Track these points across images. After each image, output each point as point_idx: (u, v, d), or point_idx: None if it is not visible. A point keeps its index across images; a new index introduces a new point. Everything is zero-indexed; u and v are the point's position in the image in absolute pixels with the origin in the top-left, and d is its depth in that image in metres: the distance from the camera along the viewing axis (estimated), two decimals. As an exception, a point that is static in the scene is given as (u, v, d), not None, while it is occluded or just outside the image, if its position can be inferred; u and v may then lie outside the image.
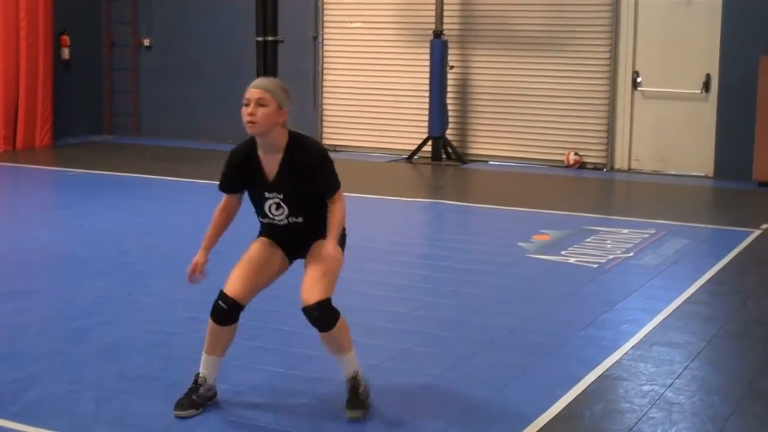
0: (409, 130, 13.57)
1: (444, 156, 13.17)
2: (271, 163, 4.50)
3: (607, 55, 12.56)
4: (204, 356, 4.63)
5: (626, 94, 12.55)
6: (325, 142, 14.17)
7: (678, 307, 6.48)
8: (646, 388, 5.01)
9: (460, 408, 4.73)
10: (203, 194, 10.63)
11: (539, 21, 12.88)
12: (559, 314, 6.32)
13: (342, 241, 4.63)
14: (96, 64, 15.44)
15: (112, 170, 11.99)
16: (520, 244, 8.22)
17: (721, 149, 12.07)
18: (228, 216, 4.72)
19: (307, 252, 4.58)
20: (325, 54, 14.14)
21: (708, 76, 12.12)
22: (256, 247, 4.66)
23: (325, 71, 14.17)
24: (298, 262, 4.71)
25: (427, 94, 13.00)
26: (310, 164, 4.45)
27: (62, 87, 14.63)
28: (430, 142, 13.14)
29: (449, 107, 13.11)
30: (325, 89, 14.20)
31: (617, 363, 5.38)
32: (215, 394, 4.69)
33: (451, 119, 13.19)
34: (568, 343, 5.72)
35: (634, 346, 5.66)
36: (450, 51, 13.05)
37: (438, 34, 12.95)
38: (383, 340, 5.74)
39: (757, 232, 8.84)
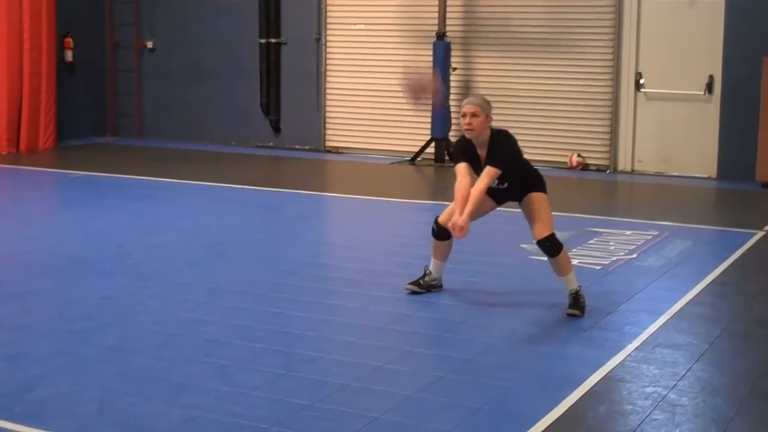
0: (411, 132, 13.57)
1: (447, 158, 13.16)
2: (482, 153, 6.33)
3: (610, 57, 12.56)
4: (432, 260, 6.61)
5: (629, 95, 12.55)
6: (328, 143, 14.19)
7: (681, 308, 6.47)
8: (649, 389, 5.01)
9: (464, 410, 4.73)
10: (206, 196, 10.65)
11: (542, 23, 12.87)
12: (562, 316, 6.32)
13: (544, 187, 6.50)
14: (99, 66, 15.46)
15: (115, 172, 12.00)
16: (522, 245, 8.21)
17: (724, 150, 12.07)
18: (470, 179, 6.30)
19: (513, 199, 6.48)
20: (328, 56, 14.15)
21: (711, 77, 12.12)
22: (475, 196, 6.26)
23: (328, 73, 14.17)
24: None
25: (430, 95, 12.98)
26: (496, 149, 6.29)
27: (65, 89, 14.64)
28: (433, 144, 13.14)
29: (452, 109, 13.10)
30: (328, 91, 14.20)
31: (620, 364, 5.38)
32: (441, 285, 6.66)
33: (453, 121, 13.15)
34: (571, 345, 5.72)
35: (637, 347, 5.66)
36: (453, 53, 13.05)
37: (441, 36, 12.95)
38: (385, 341, 5.74)
39: (760, 234, 8.83)
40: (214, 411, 4.62)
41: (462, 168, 6.32)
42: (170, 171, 12.12)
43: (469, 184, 6.25)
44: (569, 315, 6.19)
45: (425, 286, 6.63)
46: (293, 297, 6.63)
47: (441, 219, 6.44)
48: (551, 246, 6.24)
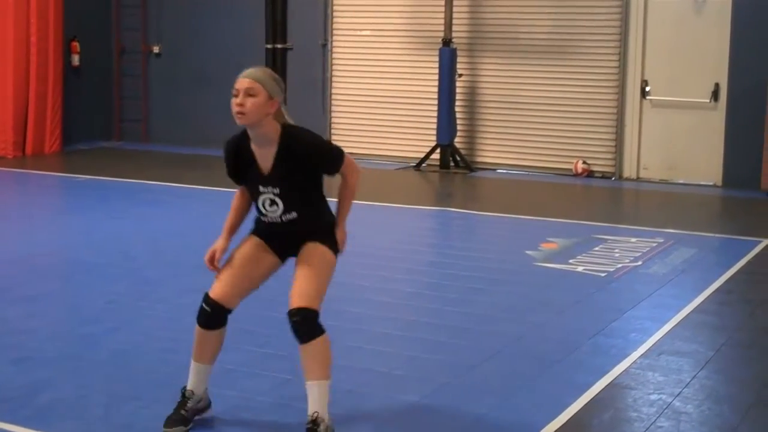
0: (417, 138, 13.59)
1: (452, 164, 13.17)
2: (265, 157, 4.37)
3: (615, 64, 12.57)
4: (192, 364, 4.49)
5: (635, 102, 12.55)
6: (334, 149, 14.18)
7: (686, 316, 6.47)
8: (654, 397, 5.01)
9: (468, 417, 4.73)
10: (211, 201, 10.66)
11: (548, 29, 12.89)
12: (567, 323, 6.33)
13: (335, 245, 4.49)
14: (106, 70, 15.49)
15: (121, 176, 12.02)
16: (527, 252, 8.22)
17: (729, 158, 12.07)
18: (246, 200, 4.58)
19: (299, 250, 4.42)
20: (335, 61, 14.17)
21: (717, 85, 12.12)
22: (245, 248, 4.52)
23: (334, 79, 14.19)
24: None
25: (436, 102, 13.02)
26: (306, 153, 4.34)
27: (72, 93, 14.68)
28: (438, 150, 13.15)
29: (457, 115, 13.12)
30: (334, 97, 14.22)
31: (625, 372, 5.38)
32: (208, 405, 4.56)
33: (459, 127, 13.20)
34: (577, 352, 5.72)
35: (642, 354, 5.66)
36: (459, 59, 13.06)
37: (447, 42, 12.97)
38: (390, 347, 5.74)
39: (765, 242, 8.82)
40: (219, 415, 4.62)
41: (239, 188, 4.61)
42: (176, 176, 12.14)
43: (244, 206, 4.59)
44: None
45: (190, 417, 4.47)
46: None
47: (214, 293, 4.42)
48: (303, 322, 4.28)
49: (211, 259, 4.52)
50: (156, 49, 15.36)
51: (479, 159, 13.38)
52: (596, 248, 8.44)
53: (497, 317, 6.38)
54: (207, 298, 4.44)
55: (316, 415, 4.28)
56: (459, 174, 12.98)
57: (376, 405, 4.78)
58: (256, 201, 4.46)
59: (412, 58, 13.65)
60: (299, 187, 4.38)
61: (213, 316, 4.42)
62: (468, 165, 13.13)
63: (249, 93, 4.30)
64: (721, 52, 12.03)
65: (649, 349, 5.76)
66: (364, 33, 13.98)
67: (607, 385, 5.15)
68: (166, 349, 5.60)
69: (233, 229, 4.61)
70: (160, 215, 9.80)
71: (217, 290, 4.43)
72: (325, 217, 4.53)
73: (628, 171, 12.69)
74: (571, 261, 7.94)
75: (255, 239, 4.54)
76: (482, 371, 5.38)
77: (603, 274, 7.54)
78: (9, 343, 5.69)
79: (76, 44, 14.77)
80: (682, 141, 12.40)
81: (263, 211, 4.44)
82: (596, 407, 4.87)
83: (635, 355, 5.65)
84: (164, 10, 15.25)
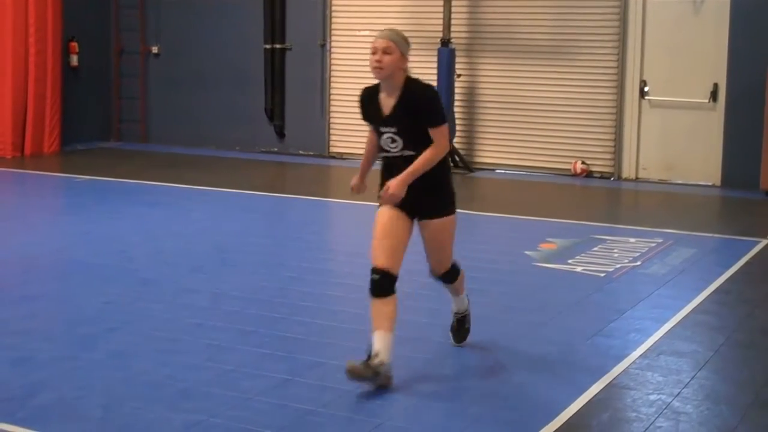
0: (416, 138, 13.56)
1: (451, 164, 13.15)
2: (388, 102, 5.08)
3: (614, 64, 12.57)
4: (374, 334, 4.96)
5: (634, 103, 12.55)
6: (332, 149, 14.20)
7: (685, 316, 6.47)
8: (653, 397, 5.01)
9: (467, 416, 4.73)
10: (210, 201, 10.66)
11: (547, 30, 12.88)
12: (566, 323, 6.32)
13: (451, 204, 5.26)
14: (104, 71, 15.48)
15: (119, 177, 12.02)
16: (526, 252, 8.21)
17: (728, 158, 12.07)
18: (375, 144, 5.28)
19: (422, 213, 5.15)
20: (333, 62, 14.16)
21: (716, 85, 12.12)
22: (384, 219, 5.12)
23: (332, 79, 14.18)
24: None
25: (435, 102, 13.00)
26: (419, 101, 5.03)
27: (71, 94, 14.67)
28: (437, 150, 13.12)
29: (456, 115, 13.12)
30: (332, 97, 14.21)
31: (624, 372, 5.37)
32: (389, 377, 4.94)
33: (458, 127, 13.19)
34: (575, 352, 5.72)
35: (641, 355, 5.66)
36: (457, 59, 13.05)
37: (445, 42, 12.96)
38: (390, 347, 5.73)
39: (764, 242, 8.82)
40: (217, 416, 4.62)
41: (369, 133, 5.37)
42: (174, 176, 12.13)
43: (373, 150, 5.34)
44: (455, 345, 5.72)
45: (373, 371, 4.89)
46: (297, 302, 6.63)
47: (378, 262, 5.03)
48: (450, 278, 5.55)
49: (353, 190, 5.41)
50: (155, 50, 15.35)
51: (478, 159, 13.38)
52: (595, 248, 8.44)
53: (496, 317, 6.38)
54: (375, 269, 5.02)
55: (466, 310, 5.77)
56: (458, 174, 12.96)
57: (374, 405, 4.77)
58: (380, 141, 5.17)
59: (410, 58, 13.62)
60: (414, 127, 5.03)
61: (383, 283, 4.99)
62: (467, 165, 13.12)
63: (386, 51, 5.04)
64: (719, 53, 12.03)
65: (648, 349, 5.76)
66: (362, 33, 13.96)
67: (606, 386, 5.15)
68: (164, 350, 5.59)
69: (365, 169, 5.41)
70: (158, 215, 9.79)
71: (380, 260, 5.03)
72: (443, 170, 5.19)
73: (627, 171, 12.68)
74: (570, 261, 7.94)
75: (387, 210, 5.15)
76: (480, 372, 5.38)
77: (602, 275, 7.54)
78: (7, 343, 5.68)
79: (74, 45, 14.76)
80: (680, 141, 12.40)
81: (386, 147, 5.14)
82: (595, 407, 4.86)
83: (634, 355, 5.64)
84: (163, 10, 15.25)
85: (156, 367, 5.30)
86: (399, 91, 5.08)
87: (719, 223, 10.40)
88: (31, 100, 13.85)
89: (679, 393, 5.06)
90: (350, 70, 14.06)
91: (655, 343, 5.87)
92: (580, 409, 4.82)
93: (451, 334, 5.73)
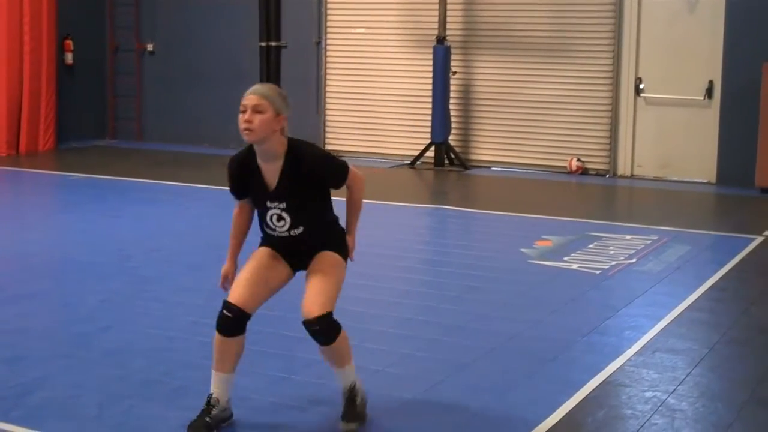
0: (411, 136, 13.58)
1: (447, 162, 13.17)
2: (271, 172, 4.39)
3: (609, 62, 12.57)
4: (214, 375, 4.47)
5: (629, 100, 12.56)
6: (328, 147, 14.18)
7: (681, 313, 6.47)
8: (648, 394, 5.01)
9: (463, 414, 4.73)
10: (206, 199, 10.65)
11: (542, 27, 12.89)
12: (561, 320, 6.32)
13: (344, 252, 4.56)
14: (99, 68, 15.47)
15: (114, 175, 12.00)
16: (522, 250, 8.22)
17: (723, 156, 12.08)
18: (246, 218, 4.62)
19: (310, 262, 4.46)
20: (329, 59, 14.15)
21: (711, 82, 12.13)
22: (260, 256, 4.52)
23: (328, 77, 14.18)
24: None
25: (430, 99, 13.02)
26: (311, 168, 4.37)
27: (65, 91, 14.65)
28: (432, 148, 13.15)
29: (452, 113, 13.12)
30: (328, 95, 14.21)
31: (620, 369, 5.38)
32: (231, 416, 4.52)
33: (453, 125, 13.20)
34: (571, 350, 5.72)
35: (636, 352, 5.66)
36: (453, 57, 13.06)
37: (441, 39, 12.96)
38: (385, 345, 5.74)
39: (759, 239, 8.84)
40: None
41: (237, 206, 4.62)
42: (170, 174, 12.12)
43: (244, 225, 4.61)
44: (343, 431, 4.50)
45: (215, 425, 4.43)
46: (293, 300, 6.60)
47: (234, 298, 4.37)
48: (323, 330, 4.36)
49: (224, 283, 4.58)
50: (150, 47, 15.34)
51: (474, 156, 13.38)
52: (591, 246, 8.44)
53: (492, 315, 6.38)
54: (227, 304, 4.39)
55: (353, 384, 4.52)
56: (453, 172, 12.97)
57: (370, 402, 4.77)
58: (263, 217, 4.49)
59: (406, 55, 13.65)
60: (306, 201, 4.41)
61: (234, 321, 4.39)
62: (462, 163, 13.13)
63: (257, 110, 4.32)
64: (714, 50, 12.04)
65: (643, 346, 5.76)
66: (358, 31, 13.96)
67: (602, 383, 5.15)
68: (159, 348, 5.59)
69: (237, 251, 4.63)
70: (154, 213, 9.78)
71: (236, 295, 4.39)
72: (335, 229, 4.57)
73: (623, 168, 12.70)
74: (565, 258, 7.94)
75: (267, 249, 4.55)
76: (477, 369, 5.38)
77: (597, 272, 7.54)
78: (2, 342, 5.67)
79: (69, 42, 14.75)
80: (676, 138, 12.41)
81: (271, 225, 4.47)
82: (590, 405, 4.86)
83: (630, 352, 5.65)
84: (158, 7, 15.23)
85: (152, 365, 5.30)
86: (281, 159, 4.37)
87: (714, 220, 10.41)
88: (26, 98, 13.84)
89: (674, 390, 5.06)
90: (346, 68, 14.06)
91: (650, 340, 5.88)
92: (575, 406, 4.82)
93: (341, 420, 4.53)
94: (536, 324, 6.22)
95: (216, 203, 10.41)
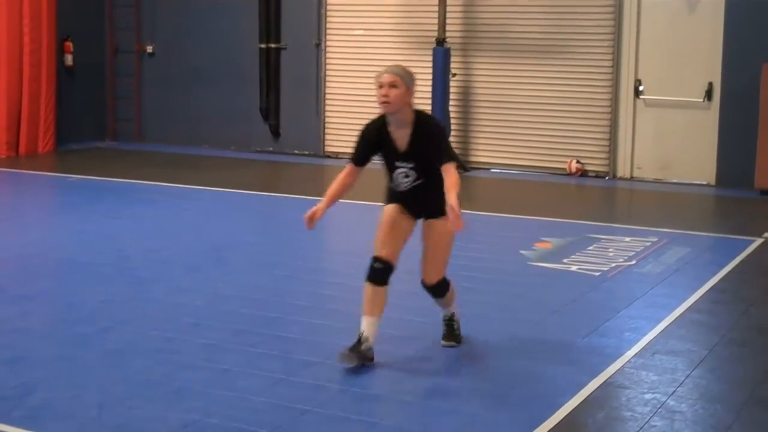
0: (411, 138, 13.56)
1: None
2: (401, 138, 5.23)
3: (609, 63, 12.58)
4: (364, 319, 5.24)
5: (628, 102, 12.57)
6: (327, 148, 14.20)
7: (680, 315, 6.48)
8: (648, 396, 5.01)
9: (463, 415, 4.73)
10: (205, 201, 10.66)
11: (542, 29, 12.89)
12: (561, 322, 6.33)
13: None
14: (99, 70, 15.46)
15: (114, 176, 12.00)
16: (522, 251, 8.22)
17: (723, 157, 12.08)
18: (350, 181, 5.36)
19: (428, 213, 5.32)
20: (328, 61, 14.16)
21: (710, 84, 12.14)
22: (390, 214, 5.33)
23: (327, 78, 14.18)
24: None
25: (430, 101, 13.00)
26: (434, 135, 5.21)
27: (65, 93, 14.65)
28: (432, 150, 13.13)
29: (451, 115, 13.11)
30: (327, 96, 14.21)
31: (620, 371, 5.38)
32: (373, 358, 5.22)
33: (453, 127, 13.20)
34: (571, 351, 5.72)
35: (636, 354, 5.66)
36: (452, 59, 13.06)
37: (440, 41, 12.96)
38: (383, 346, 5.71)
39: (759, 241, 8.84)
40: (213, 415, 4.62)
41: (348, 168, 5.41)
42: (170, 175, 12.12)
43: (345, 187, 5.41)
44: (445, 346, 5.69)
45: (362, 357, 5.25)
46: (292, 302, 6.63)
47: (382, 253, 5.34)
48: (438, 291, 5.59)
49: (311, 217, 5.25)
50: (149, 49, 15.34)
51: (473, 158, 13.38)
52: (590, 247, 8.45)
53: (491, 316, 6.38)
54: (376, 259, 5.27)
55: (452, 313, 5.68)
56: (453, 173, 12.96)
57: (369, 405, 4.77)
58: (391, 174, 5.33)
59: (405, 57, 13.60)
60: (427, 161, 5.20)
61: (382, 271, 5.27)
62: (462, 164, 13.12)
63: (392, 85, 5.17)
64: (714, 52, 12.04)
65: (643, 348, 5.77)
66: (357, 33, 13.97)
67: (601, 385, 5.16)
68: (159, 349, 5.59)
69: (333, 199, 5.36)
70: (153, 215, 9.78)
71: (383, 250, 5.28)
72: (442, 187, 5.17)
73: (622, 170, 12.70)
74: (565, 260, 7.94)
75: (393, 206, 5.37)
76: (475, 371, 5.38)
77: (597, 274, 7.55)
78: (2, 342, 5.67)
79: (69, 44, 14.74)
80: (675, 140, 12.41)
81: (397, 182, 5.32)
82: (590, 406, 4.87)
83: (629, 354, 5.65)
84: (158, 9, 15.23)
85: (151, 366, 5.30)
86: (410, 126, 5.23)
87: (714, 221, 10.41)
88: (25, 100, 13.83)
89: (674, 392, 5.06)
90: (345, 70, 14.06)
91: (650, 342, 5.88)
92: (575, 407, 4.82)
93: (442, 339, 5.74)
94: (536, 325, 6.22)
95: (215, 205, 10.42)
